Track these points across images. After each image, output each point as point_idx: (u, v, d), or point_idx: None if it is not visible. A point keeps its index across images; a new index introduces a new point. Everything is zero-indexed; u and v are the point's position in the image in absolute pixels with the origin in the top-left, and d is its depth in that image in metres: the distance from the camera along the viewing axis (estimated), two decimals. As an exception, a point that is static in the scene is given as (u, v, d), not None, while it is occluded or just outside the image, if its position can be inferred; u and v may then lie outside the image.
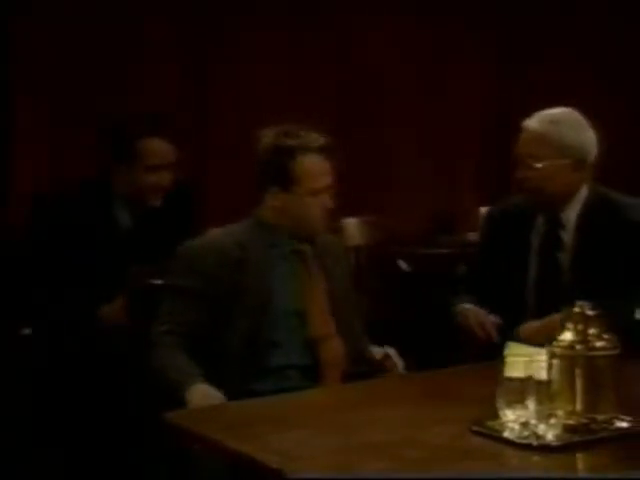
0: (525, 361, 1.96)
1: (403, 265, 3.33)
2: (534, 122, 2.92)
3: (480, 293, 3.00)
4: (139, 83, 4.73)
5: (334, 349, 2.70)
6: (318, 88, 5.15)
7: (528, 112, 3.00)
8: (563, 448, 1.91)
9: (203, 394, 2.44)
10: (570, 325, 2.05)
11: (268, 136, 2.70)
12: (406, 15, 5.61)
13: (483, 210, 4.42)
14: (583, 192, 2.96)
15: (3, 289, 3.21)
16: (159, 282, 2.90)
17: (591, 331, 2.04)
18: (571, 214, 2.95)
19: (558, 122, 2.89)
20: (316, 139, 2.68)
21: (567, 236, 2.95)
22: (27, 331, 3.21)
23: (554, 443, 1.91)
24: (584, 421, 2.01)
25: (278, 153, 2.66)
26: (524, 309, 2.92)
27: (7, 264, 3.28)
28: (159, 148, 3.16)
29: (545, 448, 1.90)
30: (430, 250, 4.95)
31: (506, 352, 2.01)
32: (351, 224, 5.08)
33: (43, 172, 3.91)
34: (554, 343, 2.04)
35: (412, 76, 5.64)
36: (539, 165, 2.88)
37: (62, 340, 3.11)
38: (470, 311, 2.94)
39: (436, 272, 3.88)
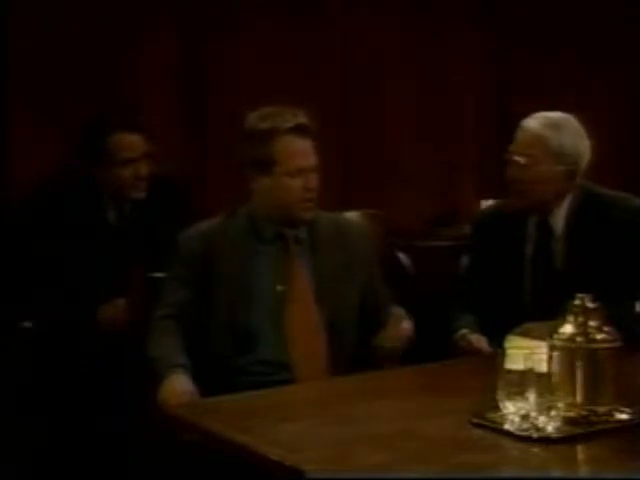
0: (525, 353, 1.96)
1: (403, 258, 3.31)
2: (535, 123, 2.87)
3: (478, 307, 2.95)
4: (137, 79, 4.73)
5: (310, 344, 2.67)
6: (318, 86, 5.14)
7: (528, 106, 2.97)
8: (563, 440, 1.91)
9: (173, 388, 2.44)
10: (570, 317, 2.05)
11: (245, 122, 2.70)
12: (406, 15, 5.60)
13: (483, 203, 4.41)
14: (570, 194, 2.92)
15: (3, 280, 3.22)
16: (160, 275, 2.91)
17: (591, 323, 2.03)
18: (559, 219, 2.91)
19: (559, 127, 2.84)
20: (290, 119, 2.64)
21: (557, 242, 2.92)
22: (27, 324, 3.20)
23: (554, 435, 1.91)
24: (584, 413, 2.01)
25: (253, 138, 2.66)
26: (523, 318, 2.89)
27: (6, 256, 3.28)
28: (129, 141, 3.19)
29: (545, 440, 1.89)
30: (430, 243, 4.94)
31: (506, 344, 2.01)
32: (350, 217, 5.06)
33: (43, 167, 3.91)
34: (555, 335, 2.04)
35: (412, 72, 5.63)
36: (533, 168, 2.84)
37: (61, 339, 3.11)
38: (469, 339, 2.87)
39: (436, 265, 3.86)
